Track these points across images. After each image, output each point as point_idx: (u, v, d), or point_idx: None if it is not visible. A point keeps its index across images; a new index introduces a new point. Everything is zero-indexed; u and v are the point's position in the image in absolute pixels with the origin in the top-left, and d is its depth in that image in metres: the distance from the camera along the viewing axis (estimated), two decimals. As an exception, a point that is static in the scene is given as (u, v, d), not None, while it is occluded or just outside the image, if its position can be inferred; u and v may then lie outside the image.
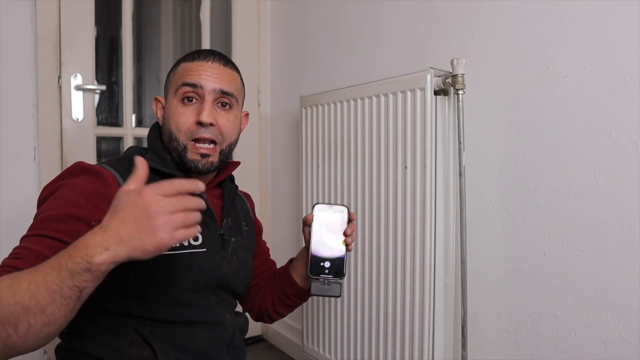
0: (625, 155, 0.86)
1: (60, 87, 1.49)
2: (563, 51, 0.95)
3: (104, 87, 1.58)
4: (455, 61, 1.06)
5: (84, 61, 1.52)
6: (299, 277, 0.95)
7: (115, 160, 0.81)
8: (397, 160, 1.14)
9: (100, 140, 1.65)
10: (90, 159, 1.55)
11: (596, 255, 0.91)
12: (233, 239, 0.89)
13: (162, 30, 2.24)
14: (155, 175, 0.78)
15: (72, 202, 0.69)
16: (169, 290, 0.77)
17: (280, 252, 1.77)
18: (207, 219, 0.83)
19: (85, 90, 1.53)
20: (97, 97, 1.61)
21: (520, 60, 1.02)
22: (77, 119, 1.52)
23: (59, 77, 1.49)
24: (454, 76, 1.05)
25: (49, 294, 0.53)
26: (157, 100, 0.88)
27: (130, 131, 1.66)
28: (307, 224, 0.87)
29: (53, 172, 1.48)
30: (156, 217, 0.53)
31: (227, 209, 0.89)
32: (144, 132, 1.91)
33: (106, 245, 0.53)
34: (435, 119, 1.08)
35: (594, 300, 0.92)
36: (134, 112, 1.71)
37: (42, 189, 0.75)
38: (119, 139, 1.73)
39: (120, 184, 0.74)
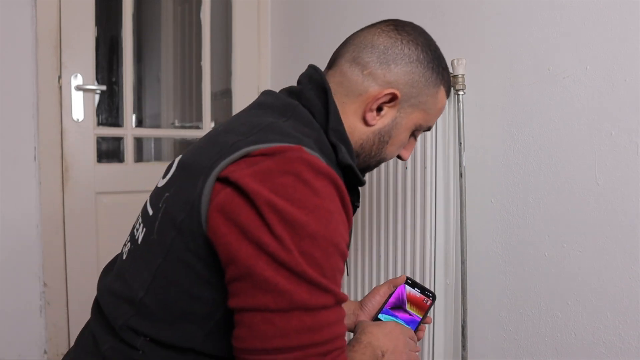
0: (625, 156, 0.86)
1: (60, 87, 1.49)
2: (563, 51, 0.95)
3: (104, 87, 1.58)
4: (455, 61, 1.06)
5: (84, 61, 1.52)
6: None
7: (316, 149, 0.62)
8: (397, 160, 1.14)
9: (100, 140, 1.65)
10: (91, 159, 1.54)
11: (596, 255, 0.91)
12: None
13: (162, 30, 2.24)
14: (349, 178, 0.67)
15: (342, 251, 0.56)
16: None
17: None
18: None
19: (85, 90, 1.53)
20: (97, 97, 1.61)
21: (520, 61, 1.02)
22: (77, 119, 1.52)
23: (59, 77, 1.49)
24: (454, 76, 1.05)
25: None
26: (395, 96, 0.67)
27: (131, 131, 1.66)
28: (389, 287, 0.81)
29: (53, 172, 1.48)
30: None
31: None
32: (144, 132, 1.93)
33: None
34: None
35: (594, 301, 0.92)
36: (134, 112, 1.71)
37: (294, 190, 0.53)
38: (119, 139, 1.73)
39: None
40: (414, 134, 0.74)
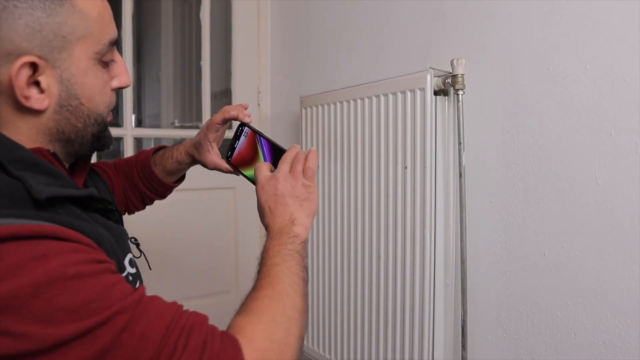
0: (625, 156, 0.86)
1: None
2: (563, 51, 0.95)
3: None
4: (455, 61, 1.06)
5: (84, 61, 1.52)
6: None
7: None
8: (397, 161, 1.14)
9: (100, 140, 1.65)
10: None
11: (596, 255, 0.91)
12: None
13: (162, 30, 2.24)
14: (74, 205, 0.54)
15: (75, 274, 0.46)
16: None
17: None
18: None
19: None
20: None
21: (520, 60, 1.02)
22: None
23: (59, 78, 1.48)
24: (454, 76, 1.05)
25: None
26: (33, 62, 0.51)
27: (130, 131, 1.66)
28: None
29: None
30: (301, 189, 0.68)
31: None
32: (144, 132, 1.92)
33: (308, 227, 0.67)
34: (435, 119, 1.08)
35: (594, 300, 0.92)
36: (134, 112, 1.71)
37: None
38: (119, 139, 1.73)
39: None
40: (103, 63, 0.58)
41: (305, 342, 1.51)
